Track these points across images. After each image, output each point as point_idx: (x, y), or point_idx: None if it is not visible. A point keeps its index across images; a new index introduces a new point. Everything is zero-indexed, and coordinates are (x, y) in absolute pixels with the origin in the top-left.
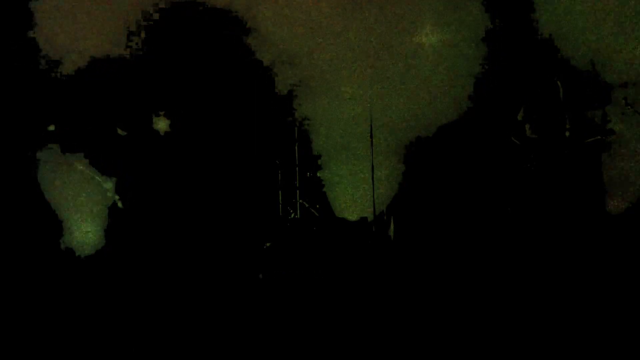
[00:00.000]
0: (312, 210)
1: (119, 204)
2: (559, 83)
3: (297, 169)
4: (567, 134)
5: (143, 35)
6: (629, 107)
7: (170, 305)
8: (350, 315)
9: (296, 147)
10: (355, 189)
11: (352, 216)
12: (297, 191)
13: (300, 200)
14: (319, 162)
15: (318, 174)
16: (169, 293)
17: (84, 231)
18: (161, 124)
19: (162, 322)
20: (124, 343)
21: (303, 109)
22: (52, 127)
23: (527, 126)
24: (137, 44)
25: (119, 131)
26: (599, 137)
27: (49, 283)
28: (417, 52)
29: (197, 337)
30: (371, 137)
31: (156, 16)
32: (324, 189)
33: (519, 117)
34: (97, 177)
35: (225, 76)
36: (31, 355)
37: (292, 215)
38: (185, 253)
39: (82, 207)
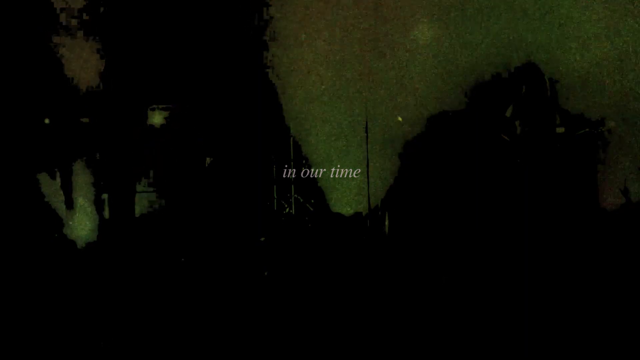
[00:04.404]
0: (307, 205)
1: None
2: (546, 79)
3: (292, 163)
4: (562, 129)
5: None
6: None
7: (163, 297)
8: (345, 311)
9: (291, 142)
10: (350, 184)
11: (347, 211)
12: (292, 186)
13: (295, 195)
14: (315, 157)
15: (313, 169)
16: (163, 286)
17: (80, 225)
18: (156, 118)
19: (154, 313)
20: (120, 336)
21: (299, 105)
22: (47, 121)
23: (517, 123)
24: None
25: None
26: (587, 129)
27: (48, 274)
28: (412, 49)
29: (190, 329)
30: (366, 132)
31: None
32: (319, 184)
33: (508, 114)
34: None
35: (222, 70)
36: (31, 347)
37: (287, 210)
38: (180, 247)
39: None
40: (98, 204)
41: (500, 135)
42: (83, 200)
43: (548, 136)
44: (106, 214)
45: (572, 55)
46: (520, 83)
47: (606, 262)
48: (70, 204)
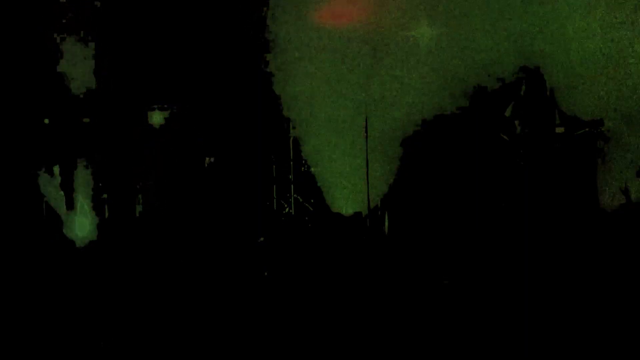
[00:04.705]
0: (307, 205)
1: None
2: (546, 79)
3: (291, 163)
4: (562, 129)
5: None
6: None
7: (163, 297)
8: (345, 312)
9: (291, 142)
10: (350, 184)
11: (347, 211)
12: (292, 186)
13: (295, 195)
14: (315, 157)
15: (312, 170)
16: (163, 285)
17: (80, 225)
18: (156, 118)
19: (154, 313)
20: (120, 336)
21: (299, 105)
22: (47, 121)
23: (516, 123)
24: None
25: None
26: (587, 129)
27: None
28: (412, 50)
29: (190, 329)
30: (366, 132)
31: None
32: (319, 184)
33: (507, 114)
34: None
35: (222, 71)
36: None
37: (287, 210)
38: (180, 247)
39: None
40: (98, 204)
41: (500, 135)
42: (83, 200)
43: (548, 136)
44: (106, 214)
45: (572, 56)
46: (520, 83)
47: (606, 262)
48: (70, 204)
